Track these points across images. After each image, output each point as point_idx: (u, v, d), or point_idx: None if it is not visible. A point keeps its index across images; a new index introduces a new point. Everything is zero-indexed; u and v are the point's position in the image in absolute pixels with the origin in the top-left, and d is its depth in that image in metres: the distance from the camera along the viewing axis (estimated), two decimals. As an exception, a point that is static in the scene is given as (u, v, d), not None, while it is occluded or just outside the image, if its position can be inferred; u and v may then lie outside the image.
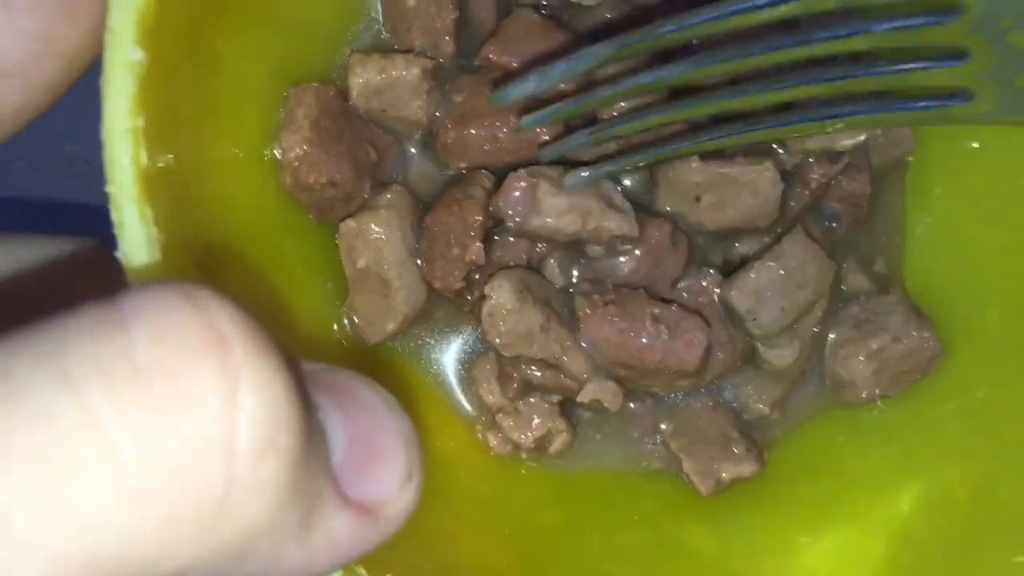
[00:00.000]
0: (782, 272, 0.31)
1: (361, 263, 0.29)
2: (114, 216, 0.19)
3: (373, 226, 0.29)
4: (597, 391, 0.30)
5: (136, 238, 0.19)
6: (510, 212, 0.29)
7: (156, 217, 0.19)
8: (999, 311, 0.33)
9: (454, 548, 0.29)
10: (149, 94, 0.19)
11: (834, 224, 0.33)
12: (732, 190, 0.31)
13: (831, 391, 0.34)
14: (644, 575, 0.31)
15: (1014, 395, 0.32)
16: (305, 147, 0.27)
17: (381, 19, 0.31)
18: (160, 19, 0.20)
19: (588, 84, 0.29)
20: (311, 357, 0.18)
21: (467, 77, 0.31)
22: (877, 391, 0.33)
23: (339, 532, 0.17)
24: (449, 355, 0.32)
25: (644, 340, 0.30)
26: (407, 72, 0.29)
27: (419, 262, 0.30)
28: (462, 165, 0.30)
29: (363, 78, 0.29)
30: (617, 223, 0.29)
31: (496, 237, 0.30)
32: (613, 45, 0.25)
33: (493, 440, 0.31)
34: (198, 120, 0.23)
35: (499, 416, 0.31)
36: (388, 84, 0.29)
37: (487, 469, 0.31)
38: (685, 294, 0.32)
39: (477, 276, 0.30)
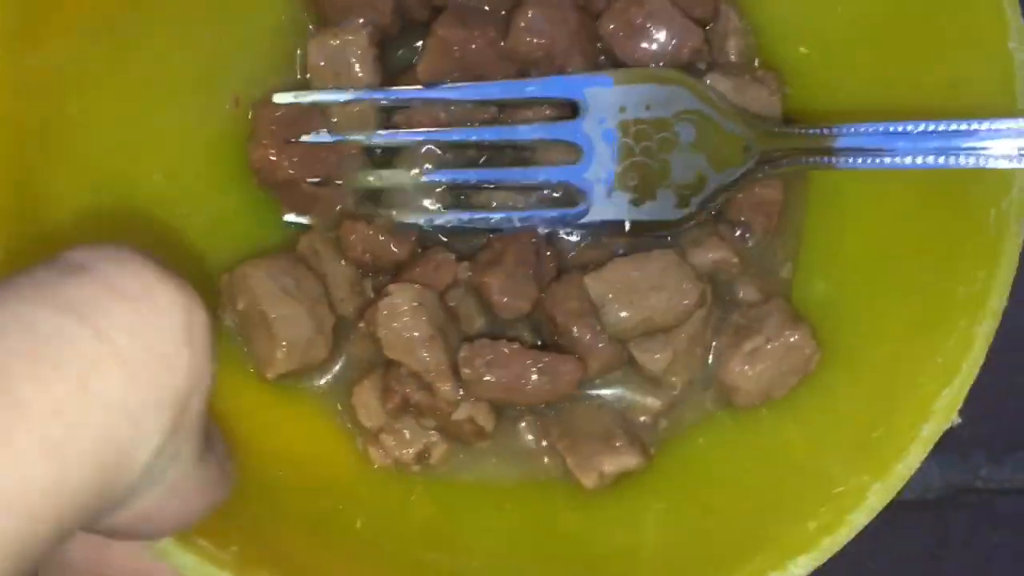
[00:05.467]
0: (636, 274, 0.33)
1: (240, 305, 0.32)
2: None
3: (247, 272, 0.32)
4: (471, 410, 0.33)
5: None
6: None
7: None
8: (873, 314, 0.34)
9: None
10: None
11: (747, 235, 0.35)
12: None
13: (720, 397, 0.35)
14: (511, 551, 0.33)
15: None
16: None
17: None
18: None
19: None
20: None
21: None
22: (761, 393, 0.34)
23: None
24: (341, 385, 0.34)
25: (528, 388, 0.33)
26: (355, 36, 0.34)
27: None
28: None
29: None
30: None
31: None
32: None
33: (375, 454, 0.33)
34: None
35: (381, 436, 0.33)
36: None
37: (380, 485, 0.33)
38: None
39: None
